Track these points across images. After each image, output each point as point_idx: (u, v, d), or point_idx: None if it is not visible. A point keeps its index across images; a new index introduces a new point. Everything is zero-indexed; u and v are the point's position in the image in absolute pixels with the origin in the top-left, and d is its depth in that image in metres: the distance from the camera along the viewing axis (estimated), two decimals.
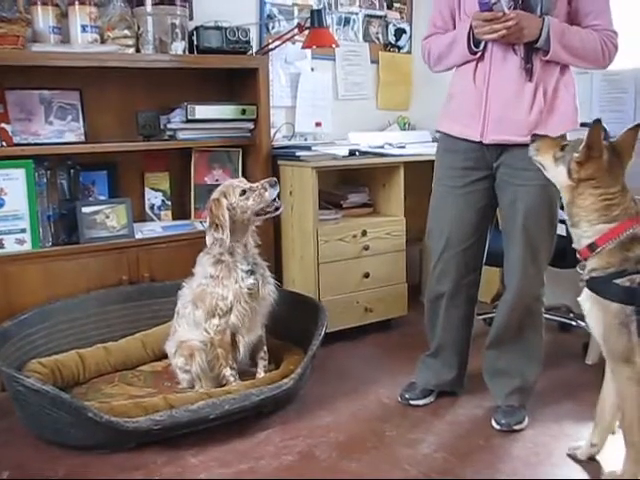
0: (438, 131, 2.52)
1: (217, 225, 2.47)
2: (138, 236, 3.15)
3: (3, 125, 2.96)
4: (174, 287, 2.77)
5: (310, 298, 3.07)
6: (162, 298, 3.02)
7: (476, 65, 2.34)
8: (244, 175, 3.33)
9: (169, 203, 3.45)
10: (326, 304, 3.05)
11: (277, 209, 2.55)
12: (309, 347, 2.65)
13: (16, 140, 2.97)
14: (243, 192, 2.53)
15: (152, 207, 3.46)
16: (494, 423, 2.49)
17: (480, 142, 2.37)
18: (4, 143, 2.91)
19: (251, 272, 2.54)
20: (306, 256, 3.31)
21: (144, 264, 3.11)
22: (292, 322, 2.94)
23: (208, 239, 2.50)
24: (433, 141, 3.83)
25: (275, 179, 2.54)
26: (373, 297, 3.46)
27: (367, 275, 3.42)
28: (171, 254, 3.12)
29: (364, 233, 3.40)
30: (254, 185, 2.55)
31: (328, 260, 3.27)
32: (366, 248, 3.39)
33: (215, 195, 2.54)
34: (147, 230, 3.22)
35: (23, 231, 2.93)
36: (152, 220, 3.40)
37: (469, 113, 2.36)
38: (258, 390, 2.38)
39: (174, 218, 3.45)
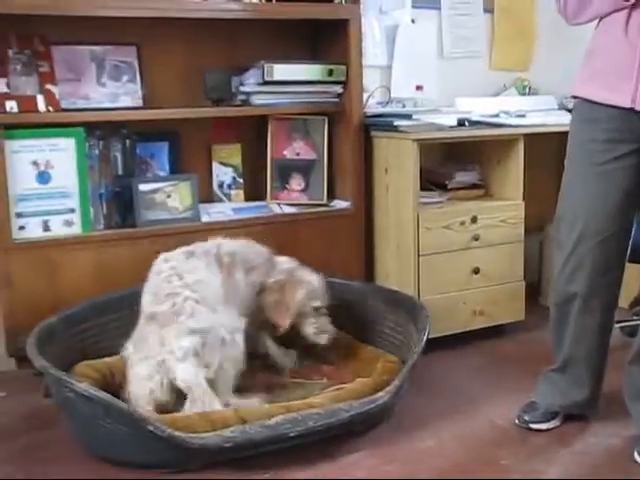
0: (575, 96, 2.48)
1: None
2: (204, 219, 3.23)
3: (49, 86, 3.00)
4: None
5: (408, 296, 3.09)
6: None
7: (629, 14, 2.29)
8: (329, 148, 3.44)
9: (241, 181, 3.53)
10: (427, 304, 3.04)
11: None
12: (408, 354, 2.67)
13: (64, 105, 3.03)
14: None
15: (221, 185, 3.54)
16: (637, 456, 2.44)
17: (631, 109, 2.32)
18: (50, 108, 2.97)
19: None
20: (403, 246, 3.35)
21: None
22: (384, 323, 3.01)
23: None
24: (559, 109, 3.84)
25: None
26: (483, 297, 3.46)
27: (477, 271, 3.43)
28: None
29: (474, 220, 3.40)
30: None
31: (430, 252, 3.30)
32: (476, 238, 3.41)
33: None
34: (215, 212, 3.32)
35: (71, 211, 3.02)
36: (221, 201, 3.49)
37: (618, 73, 2.32)
38: (347, 405, 2.37)
39: (247, 199, 3.52)
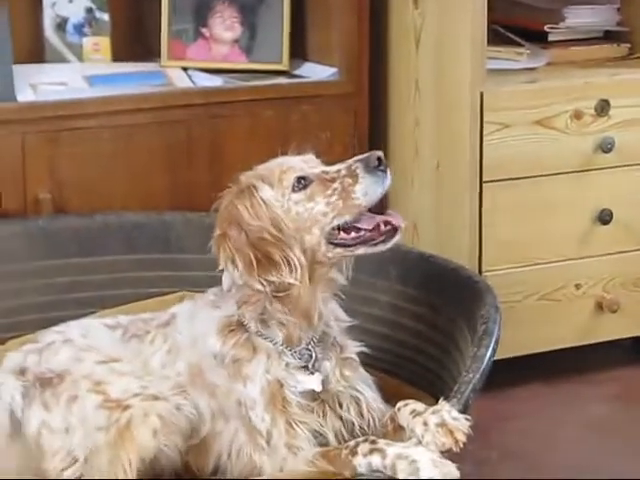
0: None
1: (256, 248, 2.11)
2: (24, 97, 2.77)
3: None
4: None
5: (456, 268, 2.59)
6: None
7: None
8: None
9: (105, 18, 3.03)
10: (495, 286, 2.48)
11: (392, 232, 2.11)
12: (450, 388, 2.22)
13: None
14: (301, 181, 2.16)
15: (61, 26, 3.01)
16: None
17: None
18: None
19: (310, 363, 2.17)
20: (449, 164, 2.88)
21: None
22: (404, 323, 2.62)
23: (227, 279, 2.14)
24: None
25: (379, 153, 2.13)
26: (620, 275, 2.94)
27: (606, 218, 2.85)
28: None
29: (602, 109, 2.82)
30: (329, 169, 2.17)
31: (504, 176, 2.76)
32: (606, 148, 2.83)
33: (245, 181, 2.20)
34: (49, 85, 2.87)
35: None
36: (63, 59, 3.02)
37: None
38: None
39: (117, 57, 3.05)
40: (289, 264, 2.08)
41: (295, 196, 2.13)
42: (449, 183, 2.86)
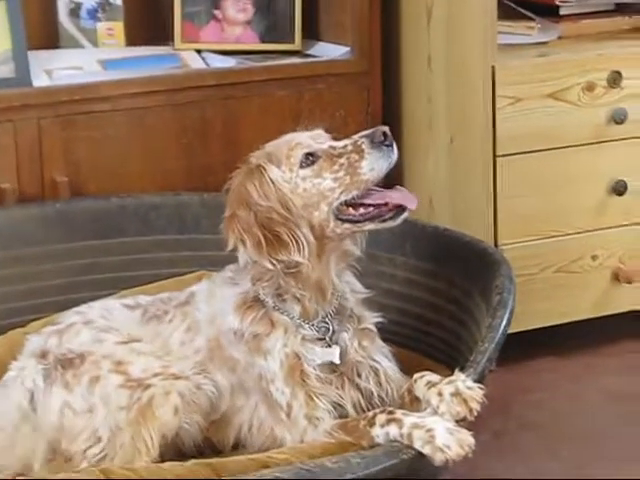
0: None
1: (264, 228, 2.16)
2: (40, 82, 2.78)
3: None
4: None
5: (471, 241, 2.63)
6: None
7: None
8: None
9: (118, 2, 3.04)
10: (510, 259, 2.54)
11: (399, 211, 2.14)
12: (466, 358, 2.24)
13: None
14: (309, 157, 2.18)
15: (76, 12, 3.03)
16: None
17: None
18: None
19: (327, 335, 2.21)
20: (463, 138, 2.90)
21: None
22: (418, 295, 2.63)
23: (241, 256, 2.19)
24: None
25: (384, 128, 2.18)
26: (635, 246, 2.95)
27: (620, 188, 2.86)
28: None
29: (614, 81, 2.82)
30: (336, 144, 2.21)
31: (517, 149, 2.77)
32: (619, 119, 2.84)
33: (254, 161, 2.23)
34: (64, 69, 2.87)
35: None
36: (77, 45, 3.04)
37: None
38: (342, 459, 1.90)
39: (131, 41, 3.06)
40: (297, 243, 2.10)
41: (303, 172, 2.14)
42: (463, 157, 2.87)
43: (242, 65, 2.99)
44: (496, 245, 2.76)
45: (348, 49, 3.03)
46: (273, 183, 2.15)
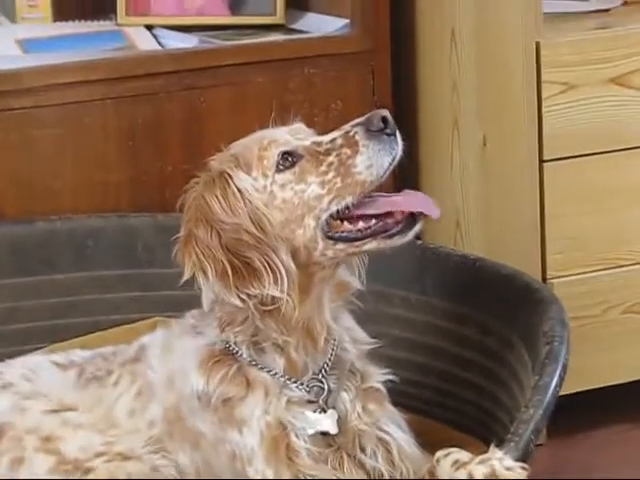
0: None
1: (231, 253, 1.87)
2: None
3: None
4: None
5: (512, 274, 2.25)
6: None
7: None
8: None
9: None
10: (563, 297, 2.15)
11: (411, 221, 1.80)
12: (505, 430, 1.96)
13: None
14: (287, 158, 1.89)
15: None
16: None
17: None
18: None
19: (321, 397, 1.87)
20: (497, 139, 2.56)
21: None
22: (443, 347, 2.30)
23: (205, 295, 1.88)
24: None
25: (383, 112, 1.86)
26: None
27: None
28: None
29: None
30: (321, 139, 1.89)
31: (568, 153, 2.41)
32: None
33: (216, 167, 1.93)
34: None
35: None
36: None
37: None
38: None
39: (59, 15, 2.73)
40: (273, 272, 1.78)
41: (280, 177, 1.82)
42: (499, 164, 2.58)
43: (207, 45, 2.71)
44: (544, 279, 2.44)
45: (346, 22, 2.70)
46: (241, 193, 1.81)
